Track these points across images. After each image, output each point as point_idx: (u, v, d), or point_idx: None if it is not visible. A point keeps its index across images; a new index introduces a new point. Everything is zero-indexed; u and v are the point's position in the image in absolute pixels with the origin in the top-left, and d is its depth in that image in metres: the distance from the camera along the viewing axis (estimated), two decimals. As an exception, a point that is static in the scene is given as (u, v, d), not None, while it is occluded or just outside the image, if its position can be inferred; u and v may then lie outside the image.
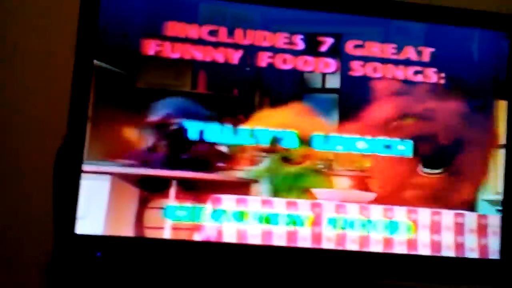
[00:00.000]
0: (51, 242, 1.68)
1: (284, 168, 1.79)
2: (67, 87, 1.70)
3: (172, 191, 1.74)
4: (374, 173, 1.82)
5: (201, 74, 1.79)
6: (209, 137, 1.76)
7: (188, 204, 1.74)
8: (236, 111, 1.78)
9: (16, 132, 1.86)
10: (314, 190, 1.80)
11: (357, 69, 1.84)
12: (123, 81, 1.75)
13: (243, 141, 1.78)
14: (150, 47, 1.76)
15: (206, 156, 1.77)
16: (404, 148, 1.84)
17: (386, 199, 1.82)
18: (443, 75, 1.87)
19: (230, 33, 1.80)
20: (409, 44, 1.87)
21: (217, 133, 1.77)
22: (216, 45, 1.79)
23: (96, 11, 1.73)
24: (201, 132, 1.76)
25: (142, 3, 1.77)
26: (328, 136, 1.81)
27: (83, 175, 1.70)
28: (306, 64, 1.83)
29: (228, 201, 1.76)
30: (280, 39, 1.81)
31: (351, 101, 1.83)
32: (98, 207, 1.71)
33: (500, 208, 1.86)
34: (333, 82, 1.84)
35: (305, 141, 1.80)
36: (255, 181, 1.78)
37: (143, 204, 1.73)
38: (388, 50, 1.86)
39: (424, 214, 1.83)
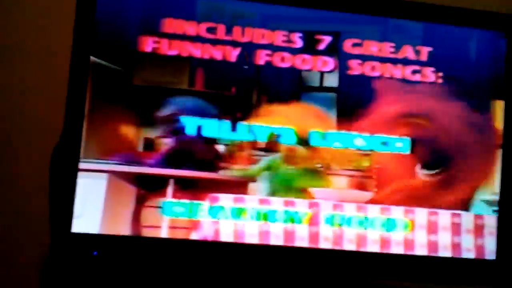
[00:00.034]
0: (48, 241, 1.66)
1: (282, 167, 1.78)
2: (64, 84, 1.68)
3: (169, 189, 1.73)
4: (371, 173, 1.82)
5: (199, 72, 1.77)
6: (207, 133, 1.75)
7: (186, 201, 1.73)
8: (234, 109, 1.77)
9: (13, 130, 1.84)
10: (312, 190, 1.79)
11: (355, 68, 1.84)
12: (120, 78, 1.73)
13: (241, 137, 1.77)
14: (148, 44, 1.75)
15: (204, 155, 1.75)
16: (401, 145, 1.83)
17: (384, 199, 1.82)
18: (441, 74, 1.87)
19: (228, 30, 1.78)
20: (407, 43, 1.86)
21: (215, 129, 1.76)
22: (214, 42, 1.77)
23: (93, 7, 1.71)
24: (199, 128, 1.75)
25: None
26: (326, 133, 1.80)
27: (79, 173, 1.68)
28: (304, 62, 1.81)
29: (225, 200, 1.74)
30: (278, 37, 1.80)
31: (349, 100, 1.83)
32: (94, 206, 1.69)
33: (496, 208, 1.86)
34: (331, 80, 1.83)
35: (303, 138, 1.79)
36: (253, 180, 1.77)
37: (140, 203, 1.71)
38: (386, 49, 1.85)
39: (421, 214, 1.83)
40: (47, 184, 1.68)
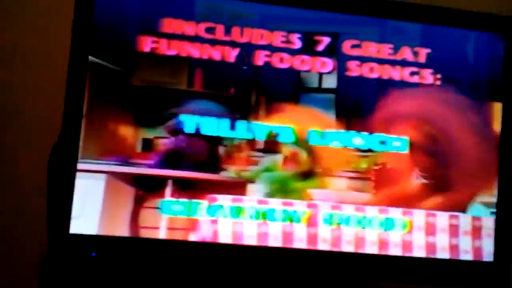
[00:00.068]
0: (46, 242, 1.65)
1: (281, 168, 1.77)
2: (63, 84, 1.66)
3: (168, 190, 1.72)
4: (370, 174, 1.82)
5: (198, 72, 1.77)
6: (206, 131, 1.74)
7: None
8: (232, 110, 1.76)
9: (11, 130, 1.83)
10: (310, 191, 1.79)
11: (354, 69, 1.83)
12: (119, 78, 1.72)
13: (240, 135, 1.76)
14: (146, 44, 1.74)
15: (203, 156, 1.75)
16: (400, 144, 1.83)
17: (382, 200, 1.81)
18: (439, 76, 1.87)
19: (227, 31, 1.77)
20: (406, 44, 1.86)
21: (214, 128, 1.75)
22: (213, 42, 1.77)
23: (92, 6, 1.70)
24: (198, 127, 1.74)
25: (139, -1, 1.74)
26: (324, 132, 1.80)
27: (77, 174, 1.67)
28: (303, 63, 1.81)
29: (224, 201, 1.74)
30: (277, 38, 1.80)
31: (347, 101, 1.83)
32: (92, 207, 1.67)
33: (494, 210, 1.86)
34: (330, 82, 1.83)
35: (302, 137, 1.79)
36: (252, 181, 1.76)
37: (138, 204, 1.70)
38: (385, 50, 1.85)
39: (419, 216, 1.83)
40: (45, 184, 1.67)
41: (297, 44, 1.81)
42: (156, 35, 1.74)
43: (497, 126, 1.88)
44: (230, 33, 1.77)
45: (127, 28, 1.73)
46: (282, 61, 1.80)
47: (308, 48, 1.81)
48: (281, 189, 1.78)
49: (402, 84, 1.85)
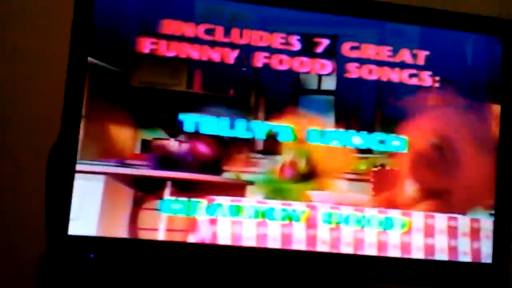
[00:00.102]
0: (44, 243, 1.64)
1: (279, 176, 1.77)
2: (62, 85, 1.66)
3: (167, 191, 1.71)
4: (369, 176, 1.82)
5: (197, 73, 1.76)
6: (205, 130, 1.74)
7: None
8: (232, 111, 1.76)
9: (10, 131, 1.82)
10: (309, 193, 1.79)
11: (353, 71, 1.83)
12: (118, 79, 1.71)
13: (240, 134, 1.76)
14: (145, 45, 1.73)
15: (202, 157, 1.74)
16: (399, 143, 1.84)
17: (381, 202, 1.82)
18: (437, 78, 1.87)
19: (227, 32, 1.77)
20: (405, 46, 1.86)
21: (213, 126, 1.75)
22: (212, 44, 1.76)
23: (91, 7, 1.69)
24: (197, 125, 1.74)
25: (138, 0, 1.73)
26: (324, 131, 1.80)
27: (76, 175, 1.66)
28: (302, 65, 1.81)
29: (223, 201, 1.74)
30: (276, 39, 1.80)
31: (347, 103, 1.83)
32: (91, 208, 1.67)
33: (492, 212, 1.87)
34: (329, 83, 1.83)
35: (301, 136, 1.79)
36: (251, 183, 1.76)
37: (137, 205, 1.70)
38: (384, 52, 1.85)
39: (418, 217, 1.83)
40: (44, 185, 1.66)
41: (297, 45, 1.81)
42: (156, 36, 1.74)
43: (496, 128, 1.89)
44: (230, 34, 1.77)
45: (127, 29, 1.73)
46: (281, 63, 1.80)
47: (307, 50, 1.81)
48: (280, 190, 1.77)
49: (402, 87, 1.85)
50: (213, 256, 1.73)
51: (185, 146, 1.73)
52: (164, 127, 1.73)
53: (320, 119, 1.80)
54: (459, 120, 1.87)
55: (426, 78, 1.87)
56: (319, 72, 1.82)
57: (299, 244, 1.77)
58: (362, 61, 1.84)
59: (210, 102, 1.75)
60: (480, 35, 1.90)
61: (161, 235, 1.71)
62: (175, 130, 1.73)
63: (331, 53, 1.83)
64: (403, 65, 1.86)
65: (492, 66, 1.90)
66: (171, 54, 1.74)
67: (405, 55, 1.86)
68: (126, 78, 1.72)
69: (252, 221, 1.75)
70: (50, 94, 1.77)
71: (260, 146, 1.77)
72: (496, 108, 1.89)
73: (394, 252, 1.81)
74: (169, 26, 1.75)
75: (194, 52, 1.76)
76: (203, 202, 1.72)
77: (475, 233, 1.86)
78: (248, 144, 1.77)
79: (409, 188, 1.83)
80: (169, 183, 1.72)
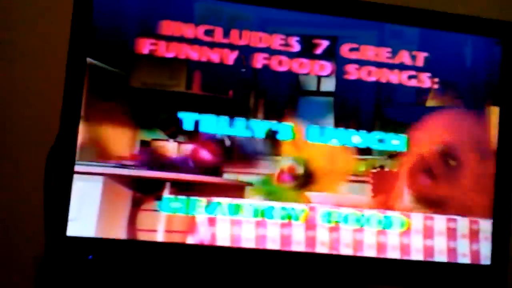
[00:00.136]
0: (43, 244, 1.63)
1: (276, 183, 1.77)
2: (61, 85, 1.65)
3: (166, 193, 1.71)
4: (369, 177, 1.82)
5: (196, 74, 1.76)
6: (204, 128, 1.74)
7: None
8: (231, 112, 1.76)
9: (8, 132, 1.81)
10: (308, 194, 1.79)
11: (352, 73, 1.83)
12: (117, 80, 1.71)
13: (239, 133, 1.75)
14: (145, 46, 1.73)
15: (201, 158, 1.74)
16: (398, 143, 1.83)
17: (380, 203, 1.81)
18: (436, 80, 1.87)
19: (226, 33, 1.77)
20: (404, 48, 1.86)
21: (213, 125, 1.74)
22: (211, 45, 1.76)
23: (90, 8, 1.69)
24: (197, 124, 1.73)
25: (137, 1, 1.73)
26: (323, 129, 1.79)
27: (75, 176, 1.66)
28: (301, 66, 1.81)
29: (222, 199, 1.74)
30: (276, 41, 1.79)
31: (346, 104, 1.82)
32: (90, 209, 1.66)
33: (491, 214, 1.87)
34: (328, 85, 1.83)
35: (300, 134, 1.78)
36: (250, 185, 1.76)
37: (136, 206, 1.69)
38: (383, 54, 1.85)
39: (417, 219, 1.83)
40: (42, 186, 1.65)
41: (296, 47, 1.81)
42: (155, 37, 1.73)
43: (494, 130, 1.89)
44: (229, 35, 1.77)
45: (126, 30, 1.72)
46: (280, 64, 1.80)
47: (307, 51, 1.81)
48: (278, 193, 1.77)
49: (400, 89, 1.85)
50: (212, 258, 1.73)
51: (184, 148, 1.73)
52: (163, 128, 1.73)
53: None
54: (457, 122, 1.87)
55: (425, 80, 1.87)
56: (319, 73, 1.82)
57: (298, 245, 1.77)
58: (361, 63, 1.84)
59: (210, 103, 1.75)
60: (478, 37, 1.90)
61: (160, 236, 1.70)
62: (174, 131, 1.73)
63: (330, 54, 1.82)
64: (402, 67, 1.86)
65: (491, 68, 1.90)
66: (170, 55, 1.74)
67: (404, 57, 1.86)
68: (125, 79, 1.71)
69: (251, 221, 1.74)
70: (49, 94, 1.76)
71: (259, 147, 1.77)
72: (495, 110, 1.89)
73: (393, 253, 1.81)
74: (169, 27, 1.74)
75: (194, 53, 1.75)
76: (202, 201, 1.72)
77: (474, 235, 1.86)
78: (247, 146, 1.76)
79: (408, 191, 1.83)
80: (168, 184, 1.71)
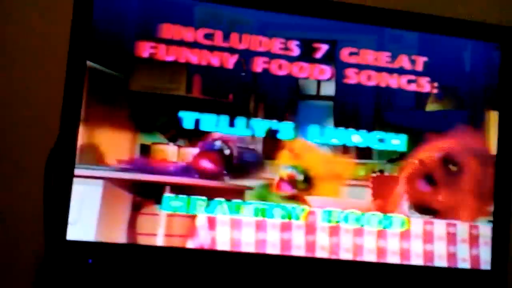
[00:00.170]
0: (42, 248, 1.63)
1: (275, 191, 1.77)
2: (61, 89, 1.65)
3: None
4: (368, 182, 1.81)
5: (196, 78, 1.76)
6: (205, 127, 1.73)
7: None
8: (231, 116, 1.76)
9: (8, 135, 1.80)
10: (308, 198, 1.78)
11: (352, 77, 1.83)
12: (117, 83, 1.70)
13: (239, 132, 1.75)
14: (145, 49, 1.72)
15: (201, 162, 1.73)
16: (399, 142, 1.83)
17: (380, 207, 1.81)
18: (436, 84, 1.87)
19: (226, 37, 1.77)
20: (403, 52, 1.86)
21: (213, 124, 1.74)
22: (211, 49, 1.76)
23: (90, 12, 1.69)
24: (197, 123, 1.73)
25: (137, 4, 1.73)
26: (323, 128, 1.79)
27: (74, 180, 1.65)
28: (301, 70, 1.81)
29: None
30: (275, 45, 1.79)
31: (345, 108, 1.82)
32: (90, 213, 1.66)
33: (491, 219, 1.86)
34: (328, 89, 1.83)
35: (301, 133, 1.78)
36: (250, 189, 1.75)
37: (136, 210, 1.69)
38: (383, 58, 1.85)
39: (417, 223, 1.83)
40: (42, 189, 1.64)
41: (296, 51, 1.81)
42: (155, 40, 1.73)
43: (493, 135, 1.89)
44: (229, 39, 1.77)
45: (126, 33, 1.72)
46: (280, 68, 1.79)
47: (307, 55, 1.81)
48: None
49: (401, 93, 1.85)
50: (212, 261, 1.72)
51: (184, 151, 1.73)
52: (163, 131, 1.72)
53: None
54: (457, 126, 1.87)
55: (425, 84, 1.87)
56: (318, 77, 1.82)
57: (298, 250, 1.76)
58: (361, 67, 1.84)
59: (210, 106, 1.75)
60: (478, 41, 1.90)
61: (160, 241, 1.69)
62: (174, 134, 1.72)
63: (330, 58, 1.83)
64: (401, 71, 1.86)
65: (490, 72, 1.90)
66: (170, 58, 1.74)
67: (403, 61, 1.86)
68: (125, 82, 1.71)
69: (251, 222, 1.73)
70: (49, 98, 1.75)
71: (259, 149, 1.77)
72: (494, 115, 1.89)
73: (393, 258, 1.81)
74: (168, 30, 1.74)
75: (193, 57, 1.75)
76: (202, 200, 1.71)
77: (474, 240, 1.85)
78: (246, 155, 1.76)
79: (407, 196, 1.83)
80: (167, 188, 1.70)
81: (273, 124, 1.77)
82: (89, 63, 1.68)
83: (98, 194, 1.66)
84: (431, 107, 1.88)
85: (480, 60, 1.90)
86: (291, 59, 1.80)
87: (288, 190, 1.77)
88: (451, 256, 1.84)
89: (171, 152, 1.72)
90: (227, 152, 1.74)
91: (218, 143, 1.73)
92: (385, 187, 1.83)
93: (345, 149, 1.81)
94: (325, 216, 1.78)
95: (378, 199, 1.81)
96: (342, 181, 1.80)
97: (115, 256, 1.67)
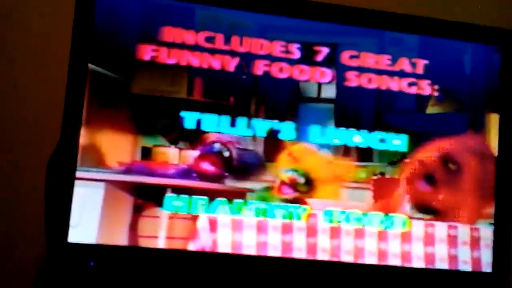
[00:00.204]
0: (44, 250, 1.63)
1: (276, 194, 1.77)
2: (62, 91, 1.65)
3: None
4: (369, 184, 1.82)
5: (197, 81, 1.76)
6: (206, 127, 1.74)
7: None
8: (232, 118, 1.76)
9: (10, 138, 1.80)
10: (309, 201, 1.78)
11: (353, 79, 1.84)
12: (118, 86, 1.71)
13: (240, 132, 1.75)
14: (146, 52, 1.73)
15: (202, 165, 1.74)
16: (399, 142, 1.84)
17: (381, 209, 1.81)
18: (436, 87, 1.88)
19: (227, 40, 1.77)
20: (404, 55, 1.87)
21: (215, 124, 1.74)
22: (212, 51, 1.76)
23: (92, 15, 1.69)
24: (198, 123, 1.73)
25: (138, 7, 1.73)
26: (325, 129, 1.80)
27: (76, 182, 1.65)
28: (302, 73, 1.81)
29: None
30: (276, 48, 1.80)
31: (346, 111, 1.83)
32: (91, 215, 1.66)
33: (492, 221, 1.86)
34: (329, 91, 1.83)
35: (302, 135, 1.78)
36: (251, 191, 1.75)
37: (137, 213, 1.69)
38: (383, 61, 1.86)
39: (418, 226, 1.83)
40: (43, 192, 1.65)
41: (296, 54, 1.81)
42: (156, 43, 1.73)
43: (494, 137, 1.89)
44: (230, 42, 1.77)
45: (127, 36, 1.72)
46: (281, 71, 1.80)
47: (307, 58, 1.82)
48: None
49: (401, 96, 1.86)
50: (213, 264, 1.72)
51: (185, 153, 1.73)
52: (164, 134, 1.72)
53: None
54: (458, 129, 1.87)
55: (425, 87, 1.87)
56: (319, 80, 1.82)
57: (299, 252, 1.76)
58: (361, 70, 1.84)
59: (211, 109, 1.75)
60: (478, 44, 1.91)
61: (161, 243, 1.69)
62: (176, 137, 1.72)
63: (330, 61, 1.83)
64: (402, 74, 1.86)
65: (490, 75, 1.91)
66: (171, 61, 1.74)
67: (404, 64, 1.87)
68: (127, 85, 1.71)
69: (253, 222, 1.73)
70: (51, 100, 1.76)
71: (260, 151, 1.77)
72: (495, 117, 1.90)
73: (394, 261, 1.81)
74: (170, 33, 1.74)
75: (195, 60, 1.75)
76: (204, 200, 1.71)
77: (475, 242, 1.85)
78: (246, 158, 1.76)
79: (408, 198, 1.83)
80: (169, 191, 1.70)
81: (275, 124, 1.78)
82: (90, 65, 1.68)
83: (100, 197, 1.67)
84: (431, 109, 1.88)
85: (481, 63, 1.91)
86: (292, 62, 1.81)
87: (289, 193, 1.77)
88: (452, 258, 1.84)
89: (172, 155, 1.73)
90: (226, 154, 1.74)
91: (217, 145, 1.73)
92: (386, 189, 1.83)
93: (346, 151, 1.82)
94: (327, 216, 1.78)
95: (379, 201, 1.81)
96: (343, 184, 1.81)
97: (116, 259, 1.67)
